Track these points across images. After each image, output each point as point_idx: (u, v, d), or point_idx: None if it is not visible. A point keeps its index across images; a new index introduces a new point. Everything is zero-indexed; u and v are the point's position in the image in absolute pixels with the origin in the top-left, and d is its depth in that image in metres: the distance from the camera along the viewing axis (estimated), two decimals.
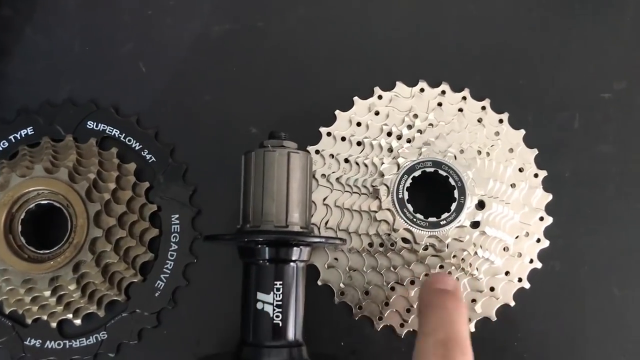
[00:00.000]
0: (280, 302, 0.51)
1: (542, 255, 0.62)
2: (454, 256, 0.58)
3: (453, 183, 0.57)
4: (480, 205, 0.59)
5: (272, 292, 0.51)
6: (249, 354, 0.51)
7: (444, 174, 0.57)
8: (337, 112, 0.63)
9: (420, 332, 0.49)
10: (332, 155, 0.62)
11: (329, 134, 0.63)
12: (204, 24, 0.65)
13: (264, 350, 0.51)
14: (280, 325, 0.51)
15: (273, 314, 0.51)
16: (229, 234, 0.56)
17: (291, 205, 0.52)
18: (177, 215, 0.61)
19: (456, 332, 0.47)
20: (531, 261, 0.61)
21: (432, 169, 0.57)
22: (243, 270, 0.53)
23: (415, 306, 0.60)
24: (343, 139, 0.62)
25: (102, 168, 0.59)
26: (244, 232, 0.53)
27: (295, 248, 0.52)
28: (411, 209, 0.57)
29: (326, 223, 0.61)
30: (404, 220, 0.57)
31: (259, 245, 0.52)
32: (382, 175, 0.59)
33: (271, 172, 0.52)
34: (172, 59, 0.64)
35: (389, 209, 0.58)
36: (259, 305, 0.51)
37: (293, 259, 0.52)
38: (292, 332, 0.51)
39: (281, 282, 0.51)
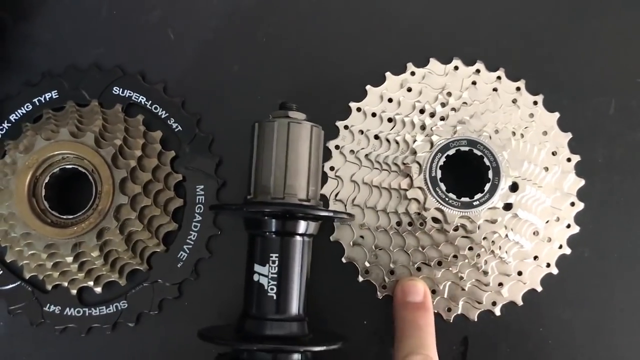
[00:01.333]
0: (275, 275, 0.50)
1: (571, 241, 0.60)
2: (484, 238, 0.57)
3: (488, 163, 0.56)
4: (514, 187, 0.58)
5: (267, 265, 0.50)
6: (250, 326, 0.50)
7: (479, 153, 0.56)
8: (368, 87, 0.62)
9: (398, 354, 0.52)
10: (361, 131, 0.61)
11: (359, 109, 0.61)
12: None
13: (265, 322, 0.50)
14: (275, 298, 0.50)
15: (267, 286, 0.50)
16: (235, 204, 0.54)
17: (291, 176, 0.50)
18: (201, 186, 0.60)
19: (430, 352, 0.52)
20: (560, 247, 0.60)
21: (466, 148, 0.56)
22: (248, 243, 0.53)
23: (440, 287, 0.59)
24: (373, 114, 0.61)
25: (127, 135, 0.58)
26: (247, 203, 0.52)
27: (290, 221, 0.50)
28: (444, 188, 0.56)
29: (353, 200, 0.60)
30: (436, 199, 0.56)
31: (252, 217, 0.51)
32: (414, 152, 0.58)
33: (270, 143, 0.51)
34: (202, 28, 0.63)
35: (420, 188, 0.56)
36: (255, 277, 0.50)
37: (300, 232, 0.50)
38: (294, 305, 0.50)
39: (277, 255, 0.50)
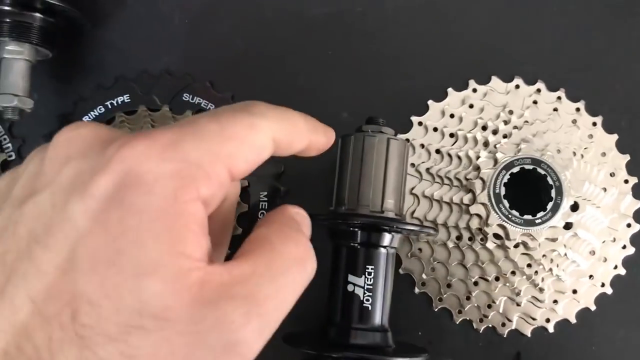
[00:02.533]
0: (371, 286, 0.51)
1: (626, 262, 0.61)
2: (544, 256, 0.58)
3: (551, 182, 0.57)
4: (574, 207, 0.59)
5: (363, 276, 0.51)
6: (335, 333, 0.52)
7: (543, 172, 0.57)
8: (429, 102, 0.63)
9: None
10: (422, 145, 0.62)
11: (420, 123, 0.63)
12: (304, 6, 0.65)
13: (351, 331, 0.51)
14: (370, 308, 0.51)
15: (363, 297, 0.51)
16: (324, 214, 0.56)
17: (387, 191, 0.52)
18: (265, 193, 0.62)
19: None
20: (615, 267, 0.61)
21: (530, 167, 0.57)
22: (333, 252, 0.54)
23: (496, 302, 0.60)
24: (435, 129, 0.62)
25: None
26: (338, 214, 0.53)
27: (387, 234, 0.52)
28: (507, 204, 0.57)
29: (412, 213, 0.61)
30: (499, 215, 0.57)
31: (354, 228, 0.52)
32: (478, 169, 0.59)
33: (370, 157, 0.52)
34: (270, 40, 0.65)
35: (483, 204, 0.58)
36: (350, 287, 0.51)
37: (385, 244, 0.52)
38: (380, 316, 0.52)
39: (373, 267, 0.51)
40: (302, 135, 0.39)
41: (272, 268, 0.32)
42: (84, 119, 0.63)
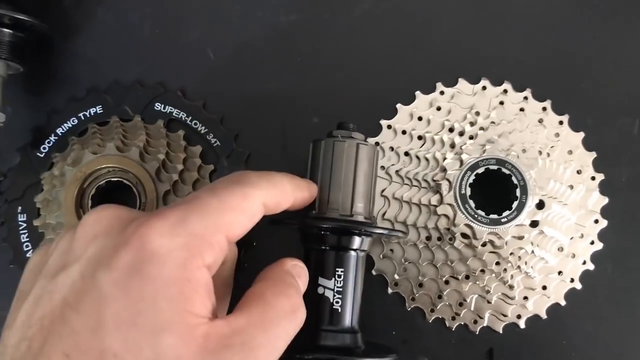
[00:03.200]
0: (340, 289, 0.52)
1: (595, 258, 0.62)
2: (511, 253, 0.59)
3: (515, 182, 0.58)
4: (540, 205, 0.60)
5: (333, 278, 0.52)
6: (306, 335, 0.52)
7: (507, 172, 0.58)
8: (398, 105, 0.64)
9: None
10: (392, 148, 0.63)
11: (389, 126, 0.64)
12: (272, 14, 0.66)
13: (321, 333, 0.52)
14: (340, 310, 0.52)
15: (333, 299, 0.52)
16: (294, 220, 0.57)
17: (357, 195, 0.53)
18: None
19: None
20: (584, 262, 0.62)
21: (495, 167, 0.58)
22: (304, 255, 0.55)
23: (467, 300, 0.61)
24: (404, 132, 0.63)
25: (170, 149, 0.61)
26: (309, 218, 0.54)
27: (357, 237, 0.53)
28: (473, 205, 0.58)
29: (384, 215, 0.62)
30: (465, 215, 0.58)
31: (324, 232, 0.53)
32: (444, 170, 0.60)
33: (340, 162, 0.53)
34: (239, 47, 0.66)
35: (450, 204, 0.59)
36: (320, 290, 0.52)
37: (355, 247, 0.53)
38: (349, 318, 0.53)
39: (343, 270, 0.52)
40: (288, 195, 0.47)
41: (265, 320, 0.38)
42: (57, 130, 0.64)
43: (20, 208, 0.63)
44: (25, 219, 0.63)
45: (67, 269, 0.36)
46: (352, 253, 0.53)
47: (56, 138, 0.64)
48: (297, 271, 0.45)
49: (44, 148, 0.64)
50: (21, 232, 0.63)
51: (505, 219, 0.58)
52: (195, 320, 0.35)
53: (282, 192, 0.46)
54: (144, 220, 0.36)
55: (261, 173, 0.45)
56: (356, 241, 0.53)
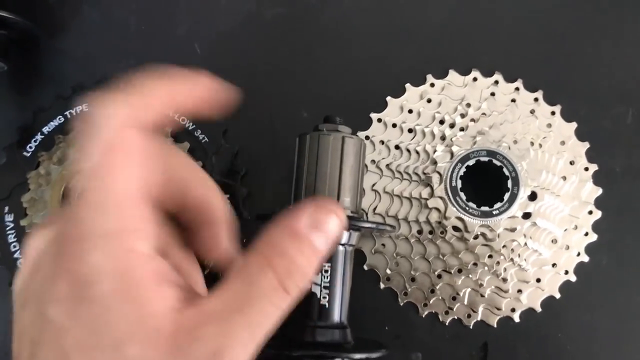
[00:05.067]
0: (328, 284, 0.51)
1: (589, 249, 0.62)
2: (504, 246, 0.59)
3: (507, 173, 0.57)
4: (532, 196, 0.59)
5: (320, 274, 0.51)
6: (294, 331, 0.52)
7: (499, 164, 0.57)
8: (388, 98, 0.63)
9: None
10: (382, 142, 0.62)
11: (379, 120, 0.63)
12: (258, 6, 0.65)
13: (309, 329, 0.51)
14: (327, 306, 0.51)
15: (320, 295, 0.51)
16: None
17: (343, 189, 0.52)
18: (227, 196, 0.62)
19: None
20: (578, 254, 0.61)
21: (486, 159, 0.57)
22: None
23: (461, 294, 0.60)
24: (394, 125, 0.62)
25: None
26: None
27: (345, 232, 0.52)
28: (464, 197, 0.57)
29: (374, 209, 0.61)
30: (456, 208, 0.57)
31: None
32: (435, 163, 0.59)
33: (325, 156, 0.53)
34: (226, 41, 0.65)
35: (441, 197, 0.58)
36: None
37: (342, 242, 0.52)
38: (338, 313, 0.52)
39: (329, 265, 0.52)
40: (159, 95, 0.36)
41: (245, 299, 0.32)
42: (43, 129, 0.63)
43: (7, 208, 0.62)
44: (12, 219, 0.62)
45: (24, 309, 0.35)
46: (340, 248, 0.52)
47: (42, 137, 0.63)
48: (297, 226, 0.35)
49: (30, 147, 0.63)
50: (8, 232, 0.62)
51: (497, 211, 0.57)
52: (156, 321, 0.32)
53: (150, 97, 0.35)
54: (61, 247, 0.33)
55: (111, 92, 0.36)
56: (343, 236, 0.52)
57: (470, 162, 0.58)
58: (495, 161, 0.57)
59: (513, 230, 0.58)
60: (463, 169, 0.57)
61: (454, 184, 0.57)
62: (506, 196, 0.57)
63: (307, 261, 0.34)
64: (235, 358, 0.32)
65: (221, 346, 0.31)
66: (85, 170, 0.33)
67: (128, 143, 0.33)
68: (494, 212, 0.57)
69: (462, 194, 0.57)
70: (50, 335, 0.33)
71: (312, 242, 0.34)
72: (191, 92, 0.37)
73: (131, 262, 0.32)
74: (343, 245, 0.52)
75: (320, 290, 0.51)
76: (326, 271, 0.51)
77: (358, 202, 0.54)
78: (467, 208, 0.57)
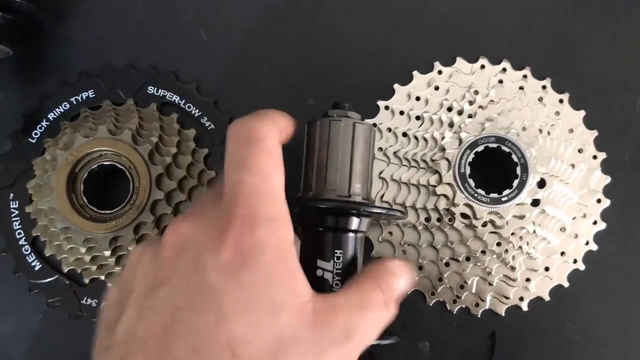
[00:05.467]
0: (339, 271, 0.51)
1: (598, 238, 0.61)
2: (512, 234, 0.58)
3: (516, 160, 0.57)
4: (541, 183, 0.58)
5: (332, 261, 0.51)
6: None
7: (507, 150, 0.57)
8: (395, 85, 0.63)
9: None
10: (389, 129, 0.62)
11: (387, 107, 0.63)
12: None
13: None
14: None
15: (332, 281, 0.51)
16: (291, 201, 0.55)
17: (354, 175, 0.52)
18: None
19: None
20: (587, 243, 0.61)
21: (495, 145, 0.57)
22: (303, 238, 0.53)
23: (468, 282, 0.60)
24: (401, 112, 0.62)
25: (163, 132, 0.60)
26: (306, 199, 0.53)
27: (355, 218, 0.52)
28: (472, 184, 0.57)
29: (382, 197, 0.61)
30: (465, 195, 0.57)
31: (322, 213, 0.52)
32: (443, 149, 0.59)
33: (336, 142, 0.52)
34: (233, 28, 0.64)
35: (449, 184, 0.57)
36: (319, 272, 0.51)
37: (353, 228, 0.52)
38: None
39: (341, 251, 0.51)
40: (286, 125, 0.48)
41: (362, 304, 0.42)
42: (48, 115, 0.63)
43: (12, 195, 0.62)
44: (17, 205, 0.62)
45: (164, 283, 0.39)
46: (351, 235, 0.52)
47: (48, 123, 0.63)
48: (396, 269, 0.46)
49: (36, 134, 0.63)
50: (13, 219, 0.62)
51: (506, 198, 0.56)
52: (302, 298, 0.40)
53: (283, 124, 0.47)
54: (227, 223, 0.40)
55: (260, 117, 0.45)
56: (354, 222, 0.52)
57: (479, 149, 0.57)
58: (504, 147, 0.57)
59: (522, 217, 0.57)
60: (472, 155, 0.57)
61: (462, 170, 0.57)
62: (515, 183, 0.56)
63: (398, 292, 0.45)
64: (360, 340, 0.41)
65: (350, 330, 0.40)
66: (247, 168, 0.41)
67: (278, 152, 0.43)
68: (503, 199, 0.56)
69: (470, 181, 0.57)
70: (206, 296, 0.38)
71: (399, 281, 0.46)
72: (290, 124, 0.48)
73: (287, 244, 0.40)
74: (353, 231, 0.52)
75: (333, 277, 0.50)
76: (338, 258, 0.51)
77: (368, 189, 0.53)
78: (476, 195, 0.57)
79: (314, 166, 0.52)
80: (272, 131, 0.43)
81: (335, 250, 0.51)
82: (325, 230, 0.51)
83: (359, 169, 0.52)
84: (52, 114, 0.63)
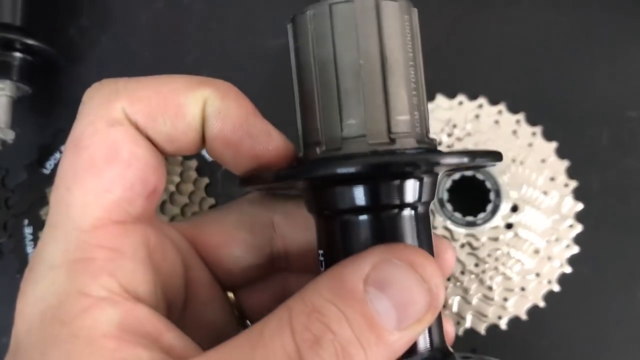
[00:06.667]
0: None
1: (571, 260, 0.65)
2: (488, 255, 0.63)
3: (489, 186, 0.62)
4: (514, 208, 0.63)
5: None
6: None
7: (482, 177, 0.62)
8: None
9: None
10: None
11: None
12: (261, 37, 0.71)
13: None
14: None
15: None
16: (287, 169, 0.31)
17: (391, 98, 0.27)
18: None
19: None
20: (561, 265, 0.65)
21: (470, 173, 0.62)
22: (317, 228, 0.30)
23: (450, 301, 0.64)
24: None
25: (168, 163, 0.65)
26: (312, 162, 0.29)
27: (411, 180, 0.27)
28: (450, 208, 0.62)
29: None
30: (444, 218, 0.62)
31: (344, 185, 0.27)
32: None
33: (349, 43, 0.27)
34: (233, 69, 0.71)
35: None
36: None
37: (409, 201, 0.28)
38: None
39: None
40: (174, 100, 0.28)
41: None
42: (61, 148, 0.68)
43: (26, 221, 0.67)
44: (31, 231, 0.67)
45: None
46: (405, 213, 0.28)
47: (61, 155, 0.68)
48: (384, 278, 0.23)
49: (50, 165, 0.68)
50: (27, 244, 0.67)
51: (481, 221, 0.61)
52: None
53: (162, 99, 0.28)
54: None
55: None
56: (409, 188, 0.27)
57: (456, 177, 0.62)
58: (478, 175, 0.62)
59: (496, 239, 0.62)
60: (449, 183, 0.62)
61: (440, 196, 0.62)
62: (489, 207, 0.61)
63: (351, 336, 0.22)
64: None
65: None
66: None
67: None
68: (478, 222, 0.61)
69: (448, 205, 0.62)
70: None
71: (367, 307, 0.22)
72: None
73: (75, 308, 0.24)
74: (409, 205, 0.28)
75: None
76: None
77: (425, 120, 0.29)
78: (453, 218, 0.61)
79: (315, 98, 0.30)
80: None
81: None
82: (356, 215, 0.27)
83: (398, 84, 0.28)
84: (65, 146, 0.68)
